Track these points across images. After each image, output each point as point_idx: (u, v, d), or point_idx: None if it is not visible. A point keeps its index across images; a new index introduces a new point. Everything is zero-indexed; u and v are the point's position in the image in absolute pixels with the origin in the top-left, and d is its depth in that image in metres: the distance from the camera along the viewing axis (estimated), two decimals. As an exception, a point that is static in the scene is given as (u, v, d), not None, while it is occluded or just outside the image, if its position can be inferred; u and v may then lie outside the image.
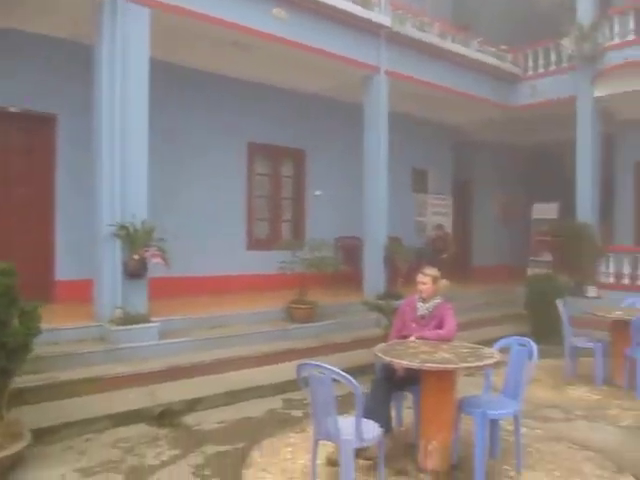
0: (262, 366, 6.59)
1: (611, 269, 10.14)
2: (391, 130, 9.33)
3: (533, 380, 6.75)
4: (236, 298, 8.50)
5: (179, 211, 8.52)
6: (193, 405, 5.53)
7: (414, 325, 4.70)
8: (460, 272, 12.69)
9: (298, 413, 5.52)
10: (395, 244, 9.04)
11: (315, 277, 7.82)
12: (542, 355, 8.08)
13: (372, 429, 3.56)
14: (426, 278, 4.76)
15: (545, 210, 12.65)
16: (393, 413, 5.04)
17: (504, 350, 4.48)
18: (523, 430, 4.94)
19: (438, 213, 12.55)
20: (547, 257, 11.76)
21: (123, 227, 6.23)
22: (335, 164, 10.55)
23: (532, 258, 12.45)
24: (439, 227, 12.10)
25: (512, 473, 4.11)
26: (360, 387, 3.42)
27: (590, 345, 6.51)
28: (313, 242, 7.85)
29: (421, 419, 4.13)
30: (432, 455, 4.03)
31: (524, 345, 4.28)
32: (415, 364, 3.70)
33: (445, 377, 3.92)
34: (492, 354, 4.07)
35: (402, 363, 3.77)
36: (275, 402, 5.83)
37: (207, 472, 4.18)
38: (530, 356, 4.19)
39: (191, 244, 8.55)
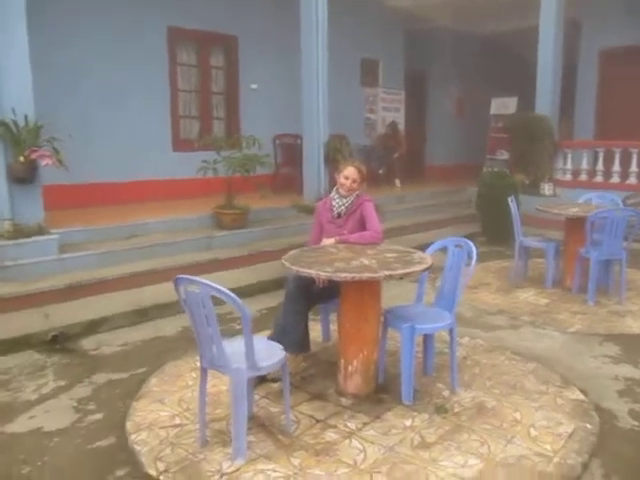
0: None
1: (569, 165, 9.57)
2: (336, 14, 8.21)
3: (481, 283, 6.28)
4: (159, 205, 7.61)
5: (84, 108, 7.38)
6: (95, 326, 4.83)
7: (332, 226, 4.00)
8: (413, 172, 12.05)
9: (216, 330, 4.89)
10: (337, 142, 8.19)
11: (252, 179, 6.97)
12: (492, 257, 7.74)
13: (270, 353, 2.92)
14: (357, 174, 3.98)
15: (504, 105, 11.87)
16: (319, 327, 4.49)
17: (442, 253, 3.89)
18: (464, 340, 4.47)
19: (390, 109, 11.61)
20: (504, 155, 11.16)
21: (1, 123, 5.22)
22: (273, 53, 9.35)
23: (489, 156, 11.82)
24: (392, 124, 11.24)
25: (446, 392, 3.59)
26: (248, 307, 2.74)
27: (541, 245, 5.98)
28: (242, 138, 6.94)
29: (340, 336, 3.52)
30: (353, 377, 3.46)
31: (461, 246, 3.63)
32: (324, 274, 3.01)
33: (365, 288, 3.26)
34: (423, 259, 3.41)
35: (309, 272, 3.07)
36: (192, 319, 5.18)
37: (91, 406, 3.54)
38: (469, 258, 3.55)
39: (103, 146, 7.55)
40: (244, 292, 5.85)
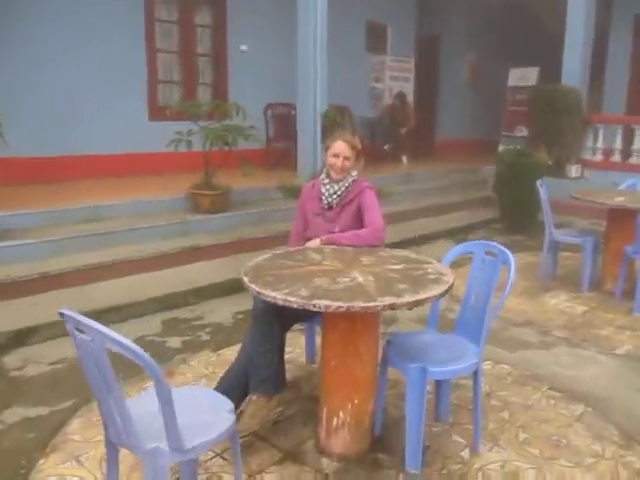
0: (145, 272, 4.92)
1: (600, 144, 8.48)
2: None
3: (502, 283, 5.30)
4: (128, 183, 6.62)
5: (39, 71, 6.35)
6: (26, 336, 3.89)
7: (319, 220, 3.02)
8: (422, 148, 10.98)
9: (176, 342, 3.96)
10: (337, 113, 7.16)
11: (237, 155, 5.93)
12: (513, 248, 6.33)
13: (211, 419, 1.94)
14: (349, 150, 3.01)
15: (524, 75, 10.69)
16: (302, 342, 3.56)
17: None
18: (486, 365, 3.50)
19: (398, 78, 10.49)
20: (523, 132, 10.08)
21: None
22: (267, 11, 8.23)
23: (504, 133, 10.73)
24: (399, 95, 10.15)
25: (464, 452, 2.64)
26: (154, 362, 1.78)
27: (577, 240, 4.98)
28: (226, 106, 5.92)
29: (323, 377, 2.55)
30: (338, 433, 2.51)
31: (494, 254, 2.65)
32: (295, 299, 2.03)
33: (357, 317, 2.29)
34: (441, 275, 2.43)
35: (274, 297, 2.09)
36: (152, 324, 4.25)
37: (-16, 462, 2.62)
38: (504, 265, 2.58)
39: (64, 113, 6.52)
40: (221, 289, 4.95)
